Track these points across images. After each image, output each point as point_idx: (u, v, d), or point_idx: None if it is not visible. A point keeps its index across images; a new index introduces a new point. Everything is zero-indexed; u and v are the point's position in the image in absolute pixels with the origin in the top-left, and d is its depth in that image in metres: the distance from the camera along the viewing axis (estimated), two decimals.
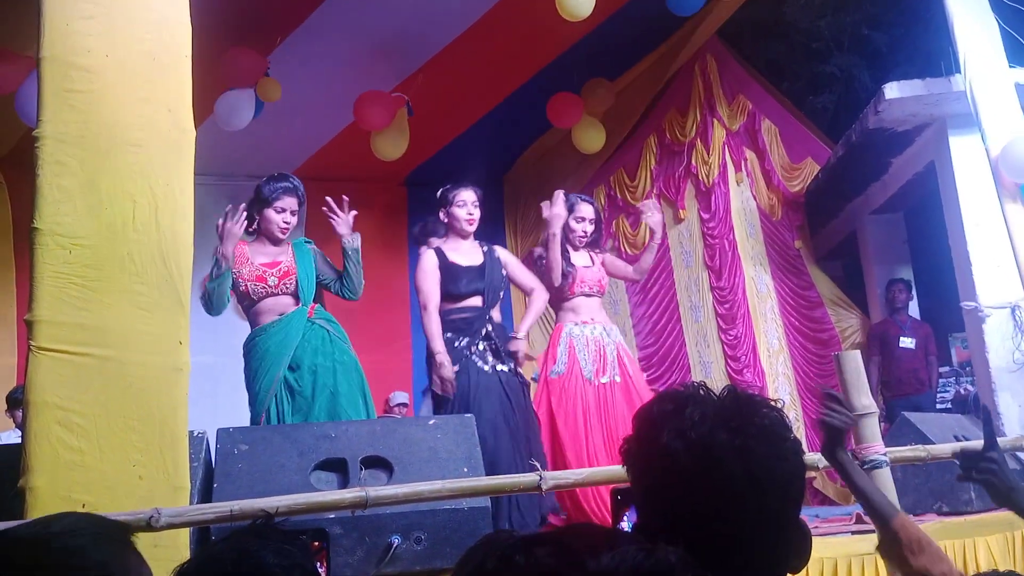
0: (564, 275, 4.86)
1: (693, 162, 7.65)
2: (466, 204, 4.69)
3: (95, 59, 2.60)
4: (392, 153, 6.97)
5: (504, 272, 4.77)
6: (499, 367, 4.52)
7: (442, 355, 4.39)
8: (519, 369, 4.62)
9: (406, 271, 8.17)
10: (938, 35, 5.47)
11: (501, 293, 4.76)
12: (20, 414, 3.03)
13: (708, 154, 7.56)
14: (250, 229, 4.38)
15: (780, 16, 8.71)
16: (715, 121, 7.61)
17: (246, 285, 4.28)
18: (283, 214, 4.34)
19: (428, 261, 4.66)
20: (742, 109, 7.69)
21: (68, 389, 2.31)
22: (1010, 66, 5.01)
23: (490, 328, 4.60)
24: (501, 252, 4.91)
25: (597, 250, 5.21)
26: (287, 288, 4.30)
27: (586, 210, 5.10)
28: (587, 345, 4.85)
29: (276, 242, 4.39)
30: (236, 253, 4.31)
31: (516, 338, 4.64)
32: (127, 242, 2.50)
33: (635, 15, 6.62)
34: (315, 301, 4.39)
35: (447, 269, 4.63)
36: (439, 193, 4.80)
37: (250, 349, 4.32)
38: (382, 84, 6.81)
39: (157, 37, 2.71)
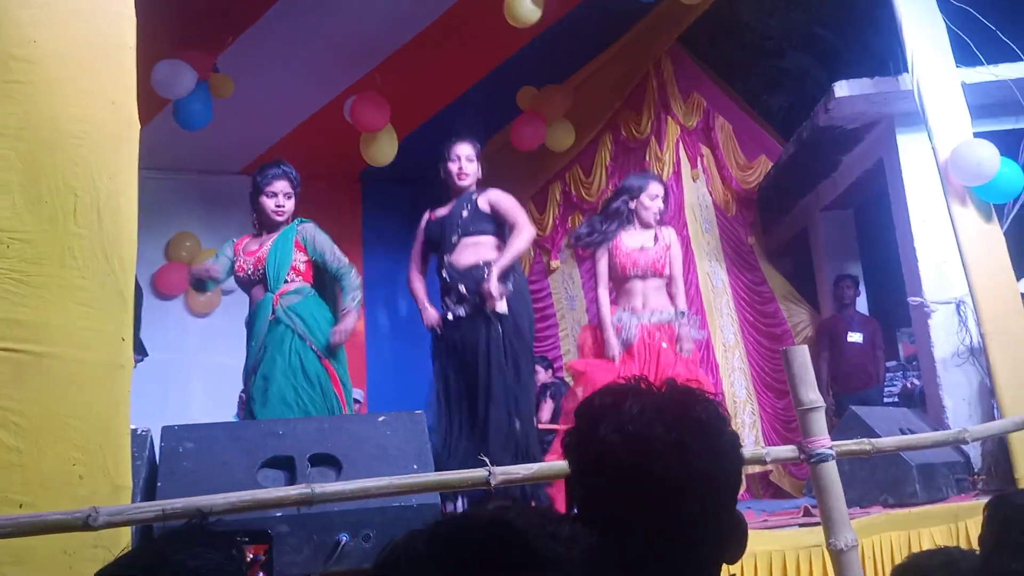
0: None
1: (647, 159, 7.68)
2: (459, 159, 4.52)
3: (36, 50, 2.53)
4: (385, 158, 6.95)
5: (480, 208, 4.48)
6: (455, 314, 4.36)
7: (420, 301, 4.51)
8: (494, 311, 4.28)
9: (360, 266, 8.11)
10: (887, 35, 5.53)
11: (459, 234, 4.42)
12: None
13: (662, 151, 7.61)
14: (253, 223, 4.50)
15: (733, 14, 8.75)
16: (669, 119, 7.64)
17: (235, 275, 4.45)
18: (275, 198, 4.40)
19: (417, 229, 4.67)
20: (697, 107, 7.75)
21: (5, 387, 2.25)
22: (957, 66, 5.08)
23: (444, 273, 4.42)
24: (491, 191, 4.58)
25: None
26: (258, 275, 4.37)
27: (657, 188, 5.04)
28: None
29: (274, 227, 4.43)
30: (237, 248, 4.48)
31: (486, 282, 4.27)
32: (68, 236, 2.44)
33: (588, 16, 6.64)
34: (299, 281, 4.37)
35: (428, 225, 4.60)
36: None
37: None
38: (335, 84, 6.79)
39: (100, 28, 2.65)
